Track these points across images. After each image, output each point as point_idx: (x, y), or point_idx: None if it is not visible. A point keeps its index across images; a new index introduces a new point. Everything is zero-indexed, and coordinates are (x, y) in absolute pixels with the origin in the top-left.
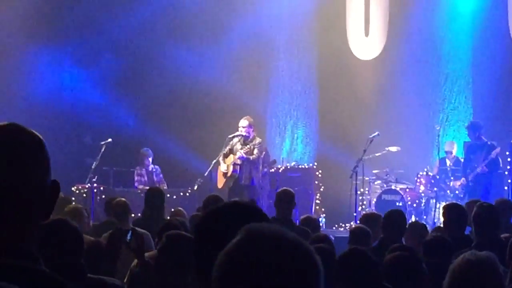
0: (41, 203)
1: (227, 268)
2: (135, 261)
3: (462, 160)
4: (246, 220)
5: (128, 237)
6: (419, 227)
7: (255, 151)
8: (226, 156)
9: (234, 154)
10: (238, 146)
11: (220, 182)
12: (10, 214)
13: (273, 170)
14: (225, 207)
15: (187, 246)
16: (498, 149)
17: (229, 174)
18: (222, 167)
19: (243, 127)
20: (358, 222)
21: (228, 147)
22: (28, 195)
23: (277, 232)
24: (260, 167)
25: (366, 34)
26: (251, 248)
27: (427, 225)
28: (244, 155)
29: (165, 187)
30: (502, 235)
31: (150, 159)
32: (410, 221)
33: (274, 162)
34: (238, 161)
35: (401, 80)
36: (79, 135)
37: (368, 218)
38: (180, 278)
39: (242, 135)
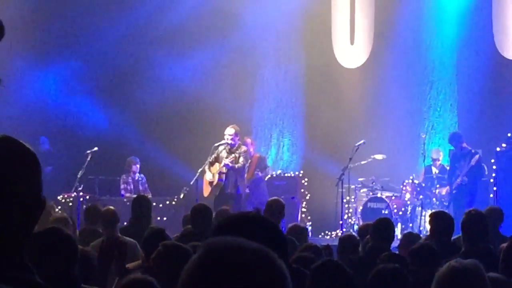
0: (34, 215)
1: (191, 285)
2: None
3: (448, 167)
4: (256, 232)
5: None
6: (414, 237)
7: (241, 159)
8: (212, 164)
9: (220, 162)
10: (224, 154)
11: (206, 190)
12: (5, 227)
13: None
14: (233, 220)
15: (181, 256)
16: (476, 157)
17: (215, 183)
18: (208, 176)
19: (229, 136)
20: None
21: (214, 156)
22: (23, 207)
23: (238, 245)
24: (246, 175)
25: (352, 42)
26: (212, 263)
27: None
28: (230, 164)
29: (150, 196)
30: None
31: (137, 167)
32: (405, 232)
33: (266, 167)
34: (224, 170)
35: (386, 88)
36: (65, 143)
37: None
38: None
39: (228, 144)
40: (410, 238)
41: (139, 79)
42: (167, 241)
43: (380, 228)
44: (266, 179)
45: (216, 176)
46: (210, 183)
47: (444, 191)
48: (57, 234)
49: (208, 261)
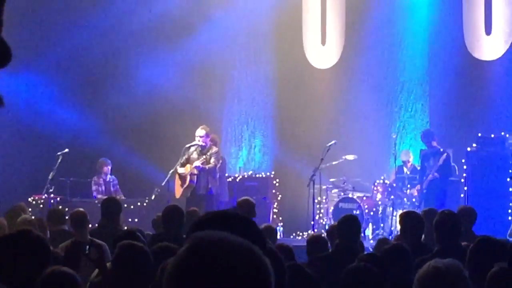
0: None
1: (175, 279)
2: (95, 272)
3: (419, 167)
4: (234, 230)
5: (87, 249)
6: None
7: (212, 160)
8: (183, 165)
9: (191, 164)
10: (195, 155)
11: (178, 192)
12: None
13: (230, 179)
14: (210, 219)
15: (139, 256)
16: (444, 156)
17: (186, 184)
18: (181, 170)
19: (200, 137)
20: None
21: (185, 157)
22: None
23: (224, 239)
24: (217, 176)
25: (323, 42)
26: (198, 256)
27: (385, 233)
28: (201, 165)
29: (123, 197)
30: (463, 243)
31: (109, 169)
32: (380, 237)
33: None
34: (195, 171)
35: (357, 89)
36: (36, 145)
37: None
38: None
39: (199, 145)
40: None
41: (109, 80)
42: (123, 241)
43: (345, 225)
44: (238, 180)
45: (188, 178)
46: (182, 184)
47: (415, 191)
48: (28, 237)
49: (194, 254)
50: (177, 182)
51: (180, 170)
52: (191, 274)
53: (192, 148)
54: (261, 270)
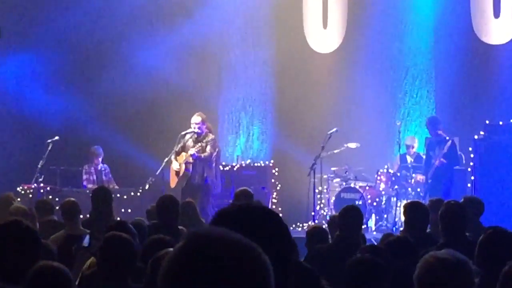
0: None
1: (169, 277)
2: (87, 264)
3: (424, 156)
4: (259, 223)
5: (86, 242)
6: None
7: (208, 148)
8: (178, 154)
9: (187, 152)
10: (191, 143)
11: (173, 181)
12: None
13: (228, 168)
14: (235, 211)
15: (124, 248)
16: (449, 143)
17: (181, 173)
18: (174, 166)
19: (196, 124)
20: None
21: (180, 145)
22: None
23: (221, 236)
24: (214, 165)
25: (325, 26)
26: (193, 254)
27: (389, 224)
28: (196, 153)
29: (116, 187)
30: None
31: (100, 158)
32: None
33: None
34: (191, 160)
35: (360, 74)
36: (25, 133)
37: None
38: (120, 281)
39: (195, 132)
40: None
41: (102, 65)
42: (109, 233)
43: (346, 216)
44: (235, 169)
45: (183, 166)
46: (177, 173)
47: (419, 177)
48: (19, 227)
49: (189, 252)
50: (172, 171)
51: (174, 164)
52: (186, 271)
53: (188, 136)
54: (259, 270)
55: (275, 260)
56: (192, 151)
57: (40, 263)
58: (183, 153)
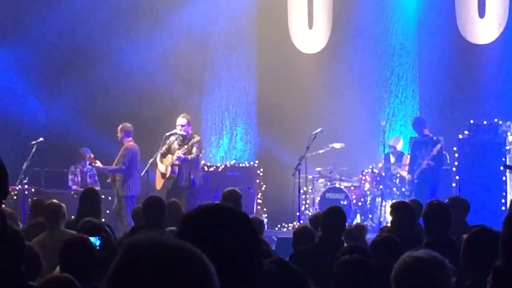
0: None
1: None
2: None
3: (408, 155)
4: (227, 223)
5: (99, 245)
6: None
7: (194, 149)
8: (163, 156)
9: (172, 154)
10: (176, 145)
11: (159, 183)
12: None
13: (212, 169)
14: (203, 212)
15: (85, 250)
16: (438, 146)
17: (167, 176)
18: (161, 168)
19: (182, 126)
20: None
21: (165, 147)
22: None
23: (159, 243)
24: (200, 166)
25: (310, 26)
26: (131, 263)
27: (374, 224)
28: (182, 156)
29: (98, 188)
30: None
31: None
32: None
33: None
34: (177, 162)
35: (346, 74)
36: (9, 134)
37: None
38: (83, 285)
39: (180, 134)
40: None
41: (85, 66)
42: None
43: (329, 217)
44: (220, 170)
45: (169, 169)
46: (163, 175)
47: (403, 173)
48: (5, 231)
49: (127, 262)
50: (158, 173)
51: (160, 166)
52: (124, 283)
53: (173, 137)
54: (203, 275)
55: (245, 259)
56: (178, 153)
57: (51, 275)
58: (169, 155)
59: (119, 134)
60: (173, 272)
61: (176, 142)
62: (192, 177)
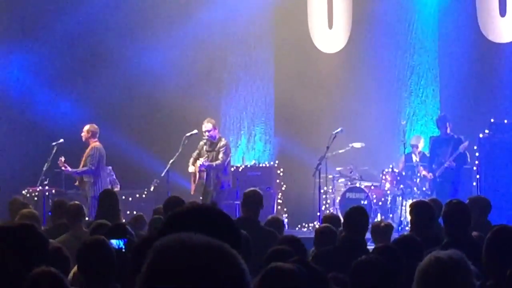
0: None
1: None
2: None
3: (429, 155)
4: (208, 224)
5: (124, 247)
6: None
7: (220, 155)
8: (195, 161)
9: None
10: (205, 150)
11: (192, 188)
12: None
13: (232, 169)
14: (185, 212)
15: (104, 253)
16: (466, 143)
17: (197, 181)
18: (190, 169)
19: (208, 131)
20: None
21: (196, 151)
22: None
23: (190, 244)
24: (229, 170)
25: (330, 26)
26: (164, 270)
27: (394, 224)
28: (205, 164)
29: (117, 189)
30: (474, 233)
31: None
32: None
33: None
34: (201, 168)
35: (366, 74)
36: (30, 136)
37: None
38: (100, 287)
39: (208, 139)
40: None
41: (105, 68)
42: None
43: (352, 217)
44: (240, 170)
45: (197, 174)
46: (194, 180)
47: (424, 173)
48: (30, 232)
49: (160, 268)
50: (192, 177)
51: (190, 168)
52: (162, 283)
53: (202, 142)
54: (236, 269)
55: None
56: (200, 162)
57: (37, 270)
58: (198, 161)
59: (85, 135)
60: (208, 273)
61: (205, 147)
62: (220, 181)
